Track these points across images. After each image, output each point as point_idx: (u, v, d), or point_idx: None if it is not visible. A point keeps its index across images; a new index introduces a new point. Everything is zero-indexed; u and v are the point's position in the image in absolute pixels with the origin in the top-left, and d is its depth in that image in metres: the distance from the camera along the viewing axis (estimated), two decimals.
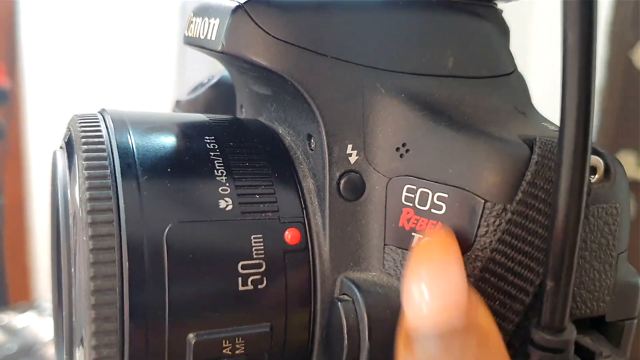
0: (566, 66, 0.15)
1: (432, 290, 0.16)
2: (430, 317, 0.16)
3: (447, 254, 0.17)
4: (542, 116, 0.23)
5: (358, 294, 0.19)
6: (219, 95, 0.30)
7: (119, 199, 0.18)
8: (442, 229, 0.18)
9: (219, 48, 0.20)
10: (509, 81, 0.23)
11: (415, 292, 0.16)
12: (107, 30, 1.29)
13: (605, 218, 0.20)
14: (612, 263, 0.20)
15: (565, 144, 0.15)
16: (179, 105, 0.32)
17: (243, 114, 0.27)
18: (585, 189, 0.16)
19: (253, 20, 0.20)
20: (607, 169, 0.20)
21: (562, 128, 0.15)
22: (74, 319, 0.19)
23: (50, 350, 0.74)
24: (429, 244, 0.17)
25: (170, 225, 0.18)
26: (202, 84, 0.32)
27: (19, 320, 0.82)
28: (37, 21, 1.26)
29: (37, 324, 0.80)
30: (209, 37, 0.21)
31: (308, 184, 0.21)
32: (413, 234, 0.20)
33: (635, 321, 0.21)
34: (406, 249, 0.20)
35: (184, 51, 1.32)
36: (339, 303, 0.19)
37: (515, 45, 0.25)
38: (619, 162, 0.21)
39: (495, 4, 0.25)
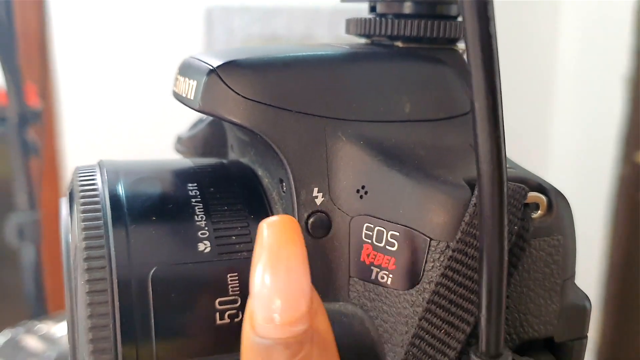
0: (476, 132, 0.17)
1: (283, 295, 0.17)
2: (279, 323, 0.17)
3: (296, 248, 0.17)
4: None
5: None
6: (215, 132, 0.33)
7: (110, 247, 0.21)
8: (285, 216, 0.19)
9: (197, 107, 0.23)
10: (466, 120, 0.25)
11: (266, 294, 0.17)
12: (135, 46, 1.34)
13: (547, 250, 0.22)
14: (557, 289, 0.22)
15: (483, 191, 0.17)
16: (180, 141, 0.35)
17: (233, 152, 0.30)
18: (505, 232, 0.18)
19: (224, 82, 0.22)
20: (549, 204, 0.22)
21: (479, 180, 0.17)
22: (77, 349, 0.22)
23: None
24: (274, 229, 0.18)
25: (155, 268, 0.21)
26: (201, 120, 0.34)
27: (56, 329, 0.86)
28: (69, 41, 1.31)
29: None
30: (189, 96, 0.24)
31: None
32: (372, 267, 0.22)
33: (585, 340, 0.23)
34: (367, 281, 0.22)
35: None
36: None
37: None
38: (563, 196, 0.22)
39: (456, 46, 0.27)
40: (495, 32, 0.16)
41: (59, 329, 0.87)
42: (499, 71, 0.16)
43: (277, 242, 0.18)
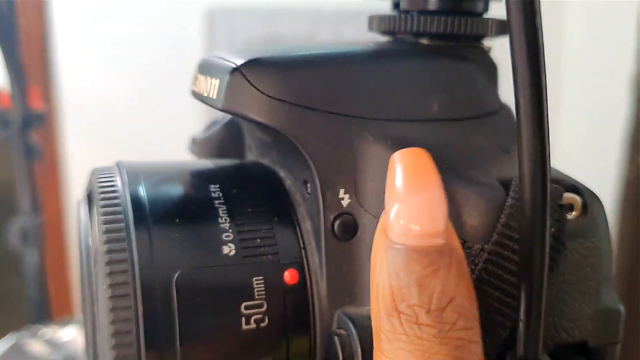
0: (520, 127, 0.16)
1: (425, 208, 0.17)
2: (418, 234, 0.16)
3: (431, 169, 0.17)
4: None
5: (353, 328, 0.21)
6: (231, 134, 0.32)
7: (133, 250, 0.20)
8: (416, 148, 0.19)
9: (220, 106, 0.22)
10: (494, 120, 0.24)
11: (407, 206, 0.17)
12: (137, 50, 1.33)
13: (582, 252, 0.21)
14: (592, 293, 0.21)
15: (525, 193, 0.17)
16: (195, 142, 0.34)
17: (252, 154, 0.29)
18: (547, 234, 0.17)
19: (248, 81, 0.22)
20: (584, 206, 0.21)
21: (521, 180, 0.17)
22: (98, 354, 0.21)
23: None
24: (411, 155, 0.18)
25: (179, 272, 0.20)
26: (215, 122, 0.34)
27: (61, 334, 0.86)
28: (71, 44, 1.31)
29: (79, 338, 0.83)
30: (211, 96, 0.23)
31: (306, 225, 0.23)
32: None
33: (619, 345, 0.22)
34: None
35: None
36: (336, 337, 0.21)
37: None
38: (597, 197, 0.22)
39: (481, 43, 0.26)
40: (541, 26, 0.15)
41: (64, 334, 0.86)
42: (545, 66, 0.16)
43: (414, 164, 0.17)
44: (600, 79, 1.45)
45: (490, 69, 0.26)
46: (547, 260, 0.18)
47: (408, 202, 0.17)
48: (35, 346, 0.84)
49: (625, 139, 1.40)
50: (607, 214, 0.22)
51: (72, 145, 1.33)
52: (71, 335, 0.85)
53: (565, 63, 1.54)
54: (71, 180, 1.33)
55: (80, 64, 1.32)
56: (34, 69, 1.18)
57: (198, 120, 1.32)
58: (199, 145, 0.33)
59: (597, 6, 1.45)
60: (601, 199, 0.22)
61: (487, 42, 0.26)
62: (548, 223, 0.17)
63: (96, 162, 0.25)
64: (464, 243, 0.20)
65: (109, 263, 0.20)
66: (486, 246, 0.20)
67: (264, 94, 0.22)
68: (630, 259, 1.43)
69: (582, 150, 1.51)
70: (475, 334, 0.17)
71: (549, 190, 0.17)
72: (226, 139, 0.32)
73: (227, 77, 0.22)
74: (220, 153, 0.32)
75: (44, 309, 1.01)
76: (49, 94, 1.28)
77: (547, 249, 0.17)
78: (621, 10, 1.39)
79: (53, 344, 0.84)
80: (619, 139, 1.41)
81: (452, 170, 0.21)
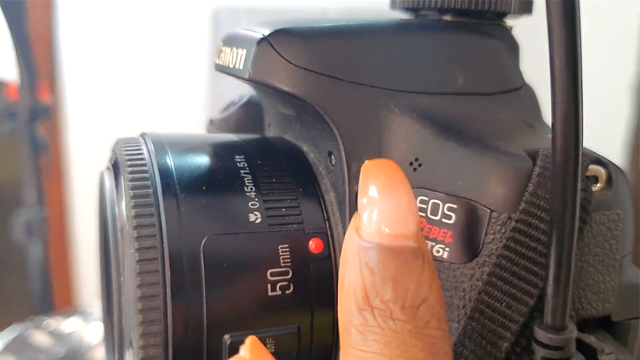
0: (555, 90, 0.16)
1: (395, 210, 0.17)
2: (391, 234, 0.17)
3: (402, 177, 0.18)
4: (550, 128, 0.24)
5: None
6: (248, 113, 0.32)
7: (161, 215, 0.20)
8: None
9: (247, 76, 0.23)
10: (518, 95, 0.24)
11: (377, 207, 0.17)
12: (143, 46, 1.34)
13: (607, 224, 0.21)
14: (616, 266, 0.21)
15: (558, 159, 0.17)
16: (212, 123, 0.34)
17: (271, 132, 0.29)
18: (578, 200, 0.17)
19: (276, 50, 0.22)
20: (609, 178, 0.21)
21: (554, 144, 0.17)
22: (123, 322, 0.21)
23: (96, 355, 0.78)
24: (383, 165, 0.18)
25: (206, 238, 0.20)
26: (233, 103, 0.34)
27: (65, 325, 0.86)
28: (77, 38, 1.31)
29: (83, 329, 0.83)
30: (237, 66, 0.23)
31: (330, 197, 0.23)
32: (426, 241, 0.21)
33: None
34: None
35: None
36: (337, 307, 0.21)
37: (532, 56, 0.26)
38: (621, 170, 0.22)
39: (504, 22, 0.26)
40: None
41: (68, 325, 0.86)
42: (580, 27, 0.16)
43: (387, 172, 0.18)
44: (601, 83, 1.45)
45: (513, 47, 0.26)
46: (577, 226, 0.18)
47: (381, 206, 0.17)
48: (39, 337, 0.84)
49: (627, 143, 1.41)
50: None
51: (76, 140, 1.34)
52: (74, 326, 0.85)
53: None
54: (75, 174, 1.33)
55: (87, 61, 1.32)
56: (40, 63, 1.19)
57: (203, 117, 1.32)
58: (216, 127, 0.34)
59: (597, 10, 1.45)
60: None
61: (509, 21, 0.27)
62: (579, 186, 0.17)
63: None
64: (491, 212, 0.20)
65: (136, 227, 0.20)
66: (513, 215, 0.20)
67: (292, 63, 0.22)
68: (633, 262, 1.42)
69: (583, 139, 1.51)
70: (447, 337, 0.17)
71: (581, 154, 0.17)
72: (244, 118, 0.32)
73: (254, 47, 0.22)
74: (238, 132, 0.32)
75: (48, 301, 1.01)
76: (55, 88, 1.28)
77: (578, 215, 0.17)
78: (622, 15, 1.39)
79: (56, 335, 0.84)
80: (621, 143, 1.41)
81: (478, 141, 0.21)
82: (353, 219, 0.18)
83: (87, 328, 0.83)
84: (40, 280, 1.01)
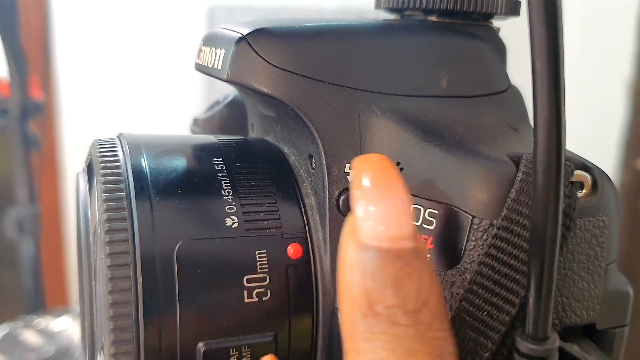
0: (536, 95, 0.16)
1: (390, 211, 0.17)
2: (388, 237, 0.16)
3: (395, 174, 0.17)
4: None
5: None
6: (233, 113, 0.31)
7: (134, 219, 0.20)
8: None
9: (225, 77, 0.22)
10: (503, 98, 0.24)
11: (372, 209, 0.17)
12: (137, 43, 1.33)
13: (592, 231, 0.21)
14: (601, 273, 0.21)
15: (538, 164, 0.16)
16: (196, 123, 0.34)
17: (254, 132, 0.29)
18: (560, 206, 0.17)
19: (254, 50, 0.21)
20: (594, 184, 0.21)
21: (535, 149, 0.16)
22: (95, 328, 0.21)
23: None
24: (374, 161, 0.18)
25: (180, 243, 0.20)
26: (217, 103, 0.33)
27: (55, 324, 0.85)
28: (70, 35, 1.30)
29: (73, 328, 0.83)
30: (215, 66, 0.23)
31: (310, 201, 0.22)
32: None
33: (627, 328, 0.22)
34: None
35: None
36: (339, 313, 0.21)
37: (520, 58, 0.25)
38: (607, 176, 0.21)
39: (491, 23, 0.26)
40: None
41: (58, 324, 0.85)
42: (562, 29, 0.15)
43: (379, 170, 0.17)
44: (597, 82, 1.45)
45: (499, 48, 0.25)
46: (559, 235, 0.17)
47: (376, 206, 0.17)
48: (29, 336, 0.83)
49: (622, 142, 1.40)
50: None
51: (69, 136, 1.33)
52: (65, 325, 0.85)
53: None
54: (67, 171, 1.33)
55: (81, 58, 1.31)
56: (33, 59, 1.18)
57: (198, 114, 1.31)
58: (200, 126, 0.33)
59: (594, 10, 1.45)
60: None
61: (496, 23, 0.26)
62: (562, 195, 0.17)
63: None
64: (472, 218, 0.19)
65: (108, 232, 0.19)
66: (495, 221, 0.19)
67: (271, 64, 0.21)
68: (625, 263, 1.43)
69: (578, 153, 1.51)
70: (449, 336, 0.17)
71: (564, 162, 0.16)
72: (228, 118, 0.31)
73: (232, 47, 0.22)
74: (222, 132, 0.32)
75: (39, 299, 1.00)
76: (48, 85, 1.27)
77: (560, 223, 0.17)
78: (619, 14, 1.39)
79: (47, 334, 0.84)
80: (616, 143, 1.41)
81: (460, 145, 0.21)
82: (347, 222, 0.17)
83: (77, 327, 0.83)
84: (32, 278, 1.00)
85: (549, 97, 0.16)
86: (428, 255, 0.17)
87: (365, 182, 0.17)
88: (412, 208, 0.17)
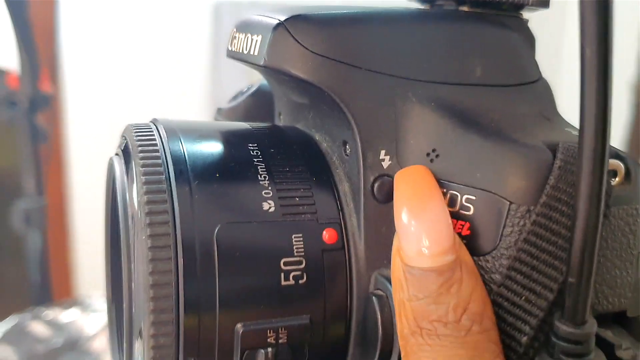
0: (584, 80, 0.16)
1: (433, 229, 0.18)
2: (428, 255, 0.18)
3: (431, 189, 0.19)
4: (566, 122, 0.24)
5: (391, 289, 0.21)
6: (257, 102, 0.32)
7: (174, 202, 0.20)
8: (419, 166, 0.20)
9: (262, 62, 0.22)
10: (535, 88, 0.24)
11: (414, 230, 0.18)
12: (144, 37, 1.33)
13: (626, 219, 0.21)
14: (633, 261, 0.21)
15: (584, 151, 0.17)
16: (220, 112, 0.34)
17: (281, 121, 0.29)
18: (603, 193, 0.17)
19: (292, 36, 0.21)
20: (627, 172, 0.21)
21: (581, 136, 0.16)
22: (133, 310, 0.21)
23: (94, 345, 0.77)
24: (412, 177, 0.20)
25: (219, 226, 0.20)
26: (242, 92, 0.33)
27: (63, 316, 0.85)
28: (78, 28, 1.30)
29: (81, 320, 0.83)
30: (252, 52, 0.23)
31: (344, 187, 0.23)
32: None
33: None
34: None
35: (218, 55, 1.35)
36: (374, 298, 0.21)
37: (548, 52, 0.26)
38: (639, 165, 0.22)
39: (521, 14, 0.26)
40: None
41: (66, 316, 0.86)
42: (613, 17, 0.15)
43: (416, 187, 0.19)
44: None
45: (529, 39, 0.25)
46: (600, 221, 0.17)
47: (416, 225, 0.19)
48: (37, 327, 0.84)
49: (624, 143, 1.40)
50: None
51: (77, 129, 1.33)
52: (74, 317, 0.85)
53: (565, 66, 1.54)
54: (74, 164, 1.33)
55: (89, 52, 1.31)
56: (42, 52, 1.18)
57: (203, 109, 1.31)
58: (224, 116, 0.33)
59: None
60: None
61: (525, 14, 0.26)
62: (604, 184, 0.17)
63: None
64: (510, 204, 0.20)
65: (149, 214, 0.20)
66: (533, 208, 0.19)
67: (308, 49, 0.21)
68: None
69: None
70: (491, 335, 0.18)
71: (607, 149, 0.17)
72: (253, 107, 0.31)
73: (270, 33, 0.22)
74: (247, 121, 0.32)
75: (46, 291, 1.00)
76: (57, 78, 1.27)
77: (602, 211, 0.17)
78: (622, 15, 1.39)
79: (55, 326, 0.84)
80: (618, 143, 1.41)
81: (497, 133, 0.21)
82: (395, 240, 0.19)
83: (85, 318, 0.83)
84: (38, 270, 1.00)
85: (598, 85, 0.16)
86: (468, 260, 0.19)
87: (405, 201, 0.19)
88: (450, 220, 0.19)
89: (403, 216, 0.19)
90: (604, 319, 0.21)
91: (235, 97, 0.34)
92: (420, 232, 0.18)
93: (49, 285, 1.05)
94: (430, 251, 0.18)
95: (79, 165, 1.31)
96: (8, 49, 0.83)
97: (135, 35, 1.33)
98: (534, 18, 0.26)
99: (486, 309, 0.18)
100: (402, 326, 0.19)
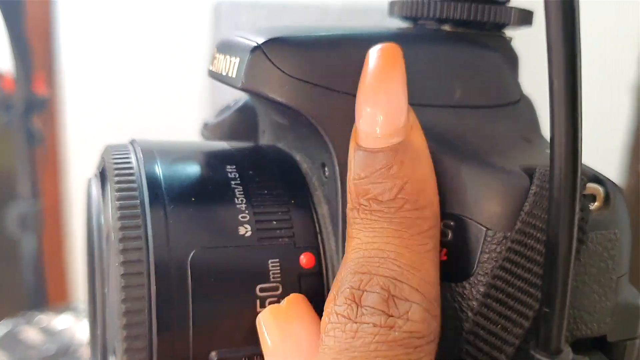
0: (553, 110, 0.16)
1: (383, 112, 0.19)
2: (379, 135, 0.19)
3: (395, 71, 0.19)
4: (548, 142, 0.24)
5: None
6: (243, 118, 0.31)
7: (147, 227, 0.20)
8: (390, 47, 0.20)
9: (239, 85, 0.22)
10: (516, 109, 0.24)
11: (369, 111, 0.19)
12: (142, 39, 1.33)
13: (604, 244, 0.21)
14: (612, 286, 0.21)
15: (555, 181, 0.16)
16: (206, 127, 0.34)
17: (265, 138, 0.29)
18: (575, 221, 0.17)
19: (270, 59, 0.21)
20: (607, 197, 0.21)
21: (552, 168, 0.16)
22: (107, 334, 0.21)
23: (87, 352, 0.77)
24: (380, 54, 0.20)
25: (194, 251, 0.20)
26: (228, 107, 0.33)
27: (57, 321, 0.85)
28: (76, 29, 1.30)
29: (75, 326, 0.83)
30: (230, 74, 0.23)
31: (323, 210, 0.22)
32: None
33: (638, 340, 0.22)
34: None
35: None
36: None
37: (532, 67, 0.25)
38: (620, 189, 0.21)
39: (503, 33, 0.26)
40: (579, 4, 0.15)
41: (60, 322, 0.85)
42: (580, 47, 0.15)
43: (379, 65, 0.19)
44: (601, 85, 1.45)
45: (511, 58, 0.25)
46: (574, 249, 0.17)
47: (371, 106, 0.19)
48: (30, 333, 0.83)
49: (625, 146, 1.40)
50: None
51: (73, 132, 1.33)
52: (67, 323, 0.85)
53: None
54: (70, 167, 1.33)
55: (86, 54, 1.31)
56: (38, 55, 1.18)
57: (202, 111, 1.31)
58: (210, 130, 0.33)
59: (599, 12, 1.45)
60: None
61: (509, 32, 0.26)
62: (577, 210, 0.17)
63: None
64: (486, 230, 0.20)
65: (122, 240, 0.19)
66: (509, 234, 0.19)
67: (285, 73, 0.21)
68: (630, 265, 1.42)
69: (582, 155, 1.51)
70: (425, 213, 0.19)
71: (580, 176, 0.16)
72: (239, 123, 0.31)
73: (248, 55, 0.22)
74: (232, 138, 0.32)
75: (40, 295, 1.00)
76: (53, 81, 1.27)
77: (575, 237, 0.17)
78: (623, 17, 1.39)
79: (48, 332, 0.84)
80: (619, 146, 1.41)
81: (474, 156, 0.21)
82: (354, 127, 0.20)
83: (78, 325, 0.83)
84: (33, 274, 1.00)
85: (567, 114, 0.16)
86: (418, 142, 0.19)
87: (364, 79, 0.19)
88: (406, 100, 0.19)
89: (361, 96, 0.19)
90: (583, 344, 0.21)
91: (221, 112, 0.34)
92: (374, 114, 0.19)
93: (44, 289, 1.05)
94: (381, 132, 0.19)
95: (75, 168, 1.31)
96: (4, 52, 0.83)
97: (133, 36, 1.33)
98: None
99: (425, 189, 0.19)
100: (348, 202, 0.20)
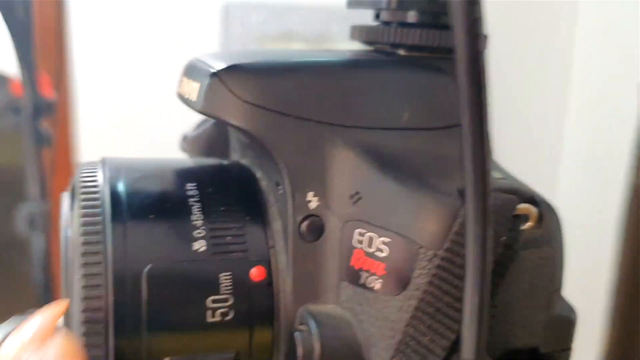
0: (463, 145, 0.17)
1: None
2: None
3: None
4: (495, 163, 0.25)
5: (314, 324, 0.22)
6: (219, 132, 0.33)
7: (107, 243, 0.21)
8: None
9: (199, 109, 0.24)
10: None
11: None
12: (151, 41, 1.35)
13: (536, 261, 0.22)
14: (544, 301, 0.22)
15: (468, 209, 0.18)
16: (185, 140, 0.35)
17: (235, 154, 0.30)
18: (489, 243, 0.18)
19: (225, 85, 0.23)
20: (540, 217, 0.22)
21: (466, 196, 0.18)
22: None
23: None
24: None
25: (149, 266, 0.21)
26: (206, 120, 0.35)
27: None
28: (85, 34, 1.33)
29: None
30: (191, 98, 0.24)
31: (276, 225, 0.24)
32: (362, 272, 0.22)
33: (570, 352, 0.23)
34: (357, 285, 0.22)
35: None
36: (296, 333, 0.22)
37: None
38: (554, 208, 0.23)
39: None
40: (484, 49, 0.16)
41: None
42: (487, 86, 0.17)
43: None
44: (609, 84, 1.45)
45: None
46: (489, 267, 0.18)
47: None
48: None
49: (632, 144, 1.40)
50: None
51: (82, 134, 1.36)
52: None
53: (575, 68, 1.54)
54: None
55: (94, 55, 1.34)
56: (47, 57, 1.21)
57: (200, 117, 1.33)
58: (189, 143, 0.35)
59: (608, 12, 1.44)
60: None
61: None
62: (489, 232, 0.18)
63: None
64: (419, 248, 0.21)
65: (84, 254, 0.21)
66: (439, 252, 0.21)
67: (240, 98, 0.23)
68: (632, 264, 1.42)
69: (588, 155, 1.51)
70: None
71: (489, 201, 0.18)
72: (214, 138, 0.33)
73: (206, 81, 0.23)
74: (208, 151, 0.33)
75: (49, 293, 1.02)
76: (61, 83, 1.30)
77: (489, 256, 0.18)
78: (632, 18, 1.38)
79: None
80: (626, 145, 1.40)
81: (415, 177, 0.22)
82: None
83: None
84: (42, 273, 1.02)
85: (474, 158, 0.17)
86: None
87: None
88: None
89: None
90: (517, 355, 0.23)
91: (199, 125, 0.35)
92: None
93: (53, 287, 1.07)
94: None
95: None
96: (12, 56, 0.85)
97: (142, 39, 1.35)
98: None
99: None
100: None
